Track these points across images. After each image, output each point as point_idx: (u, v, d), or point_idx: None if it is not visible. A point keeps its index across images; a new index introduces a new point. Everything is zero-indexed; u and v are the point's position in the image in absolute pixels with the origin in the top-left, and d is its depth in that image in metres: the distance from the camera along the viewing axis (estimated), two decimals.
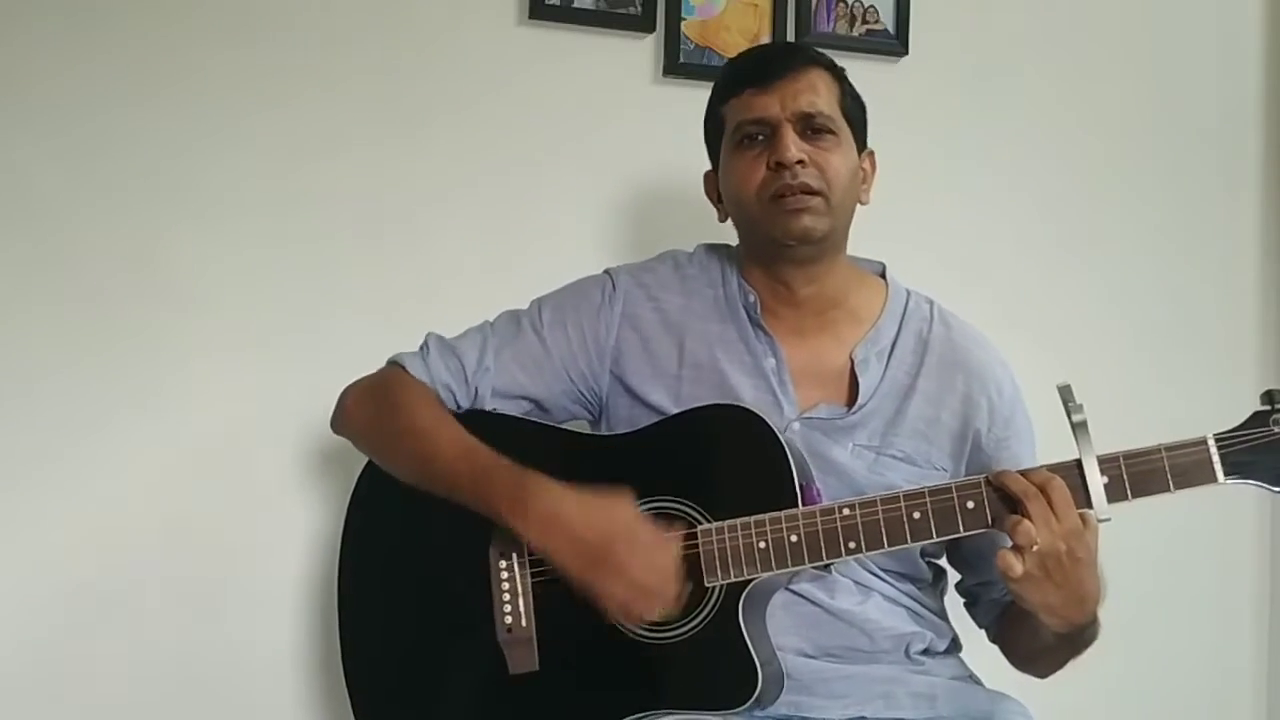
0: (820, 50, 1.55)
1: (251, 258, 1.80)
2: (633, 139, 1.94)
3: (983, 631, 1.59)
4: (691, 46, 1.94)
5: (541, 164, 1.91)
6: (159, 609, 1.77)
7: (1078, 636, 1.38)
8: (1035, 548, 1.24)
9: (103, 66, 1.76)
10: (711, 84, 1.91)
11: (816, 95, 1.47)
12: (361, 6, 1.85)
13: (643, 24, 1.92)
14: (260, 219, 1.81)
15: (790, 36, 1.98)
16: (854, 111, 1.52)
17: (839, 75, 1.53)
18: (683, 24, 1.94)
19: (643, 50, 1.95)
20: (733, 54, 1.94)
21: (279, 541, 1.81)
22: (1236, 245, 2.22)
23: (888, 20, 2.02)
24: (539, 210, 1.91)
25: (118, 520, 1.76)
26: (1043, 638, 1.40)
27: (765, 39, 1.97)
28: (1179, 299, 2.19)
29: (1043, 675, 1.52)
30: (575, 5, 1.90)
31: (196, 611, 1.78)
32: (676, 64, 1.94)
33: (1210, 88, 2.21)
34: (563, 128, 1.92)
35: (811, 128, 1.47)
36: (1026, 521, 1.25)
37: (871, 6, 2.01)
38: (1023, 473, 1.29)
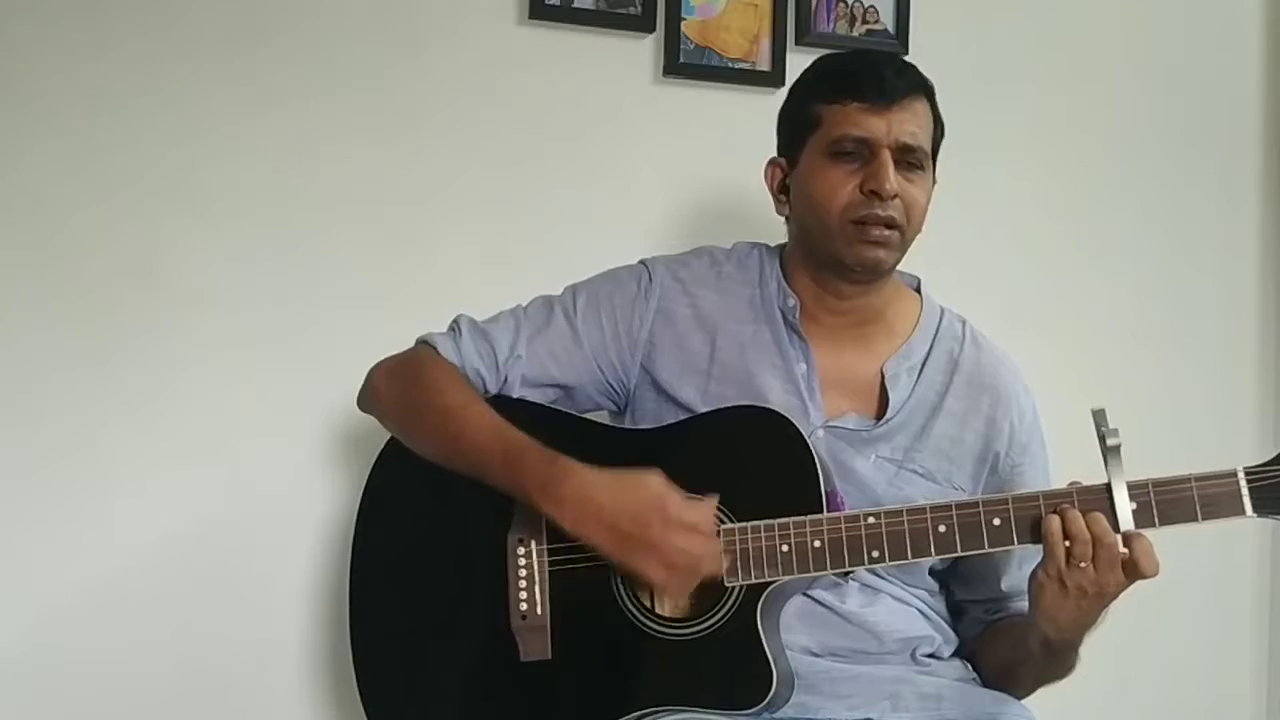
0: (921, 72, 1.51)
1: (252, 256, 1.80)
2: (632, 139, 1.94)
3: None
4: (691, 46, 1.94)
5: (541, 164, 1.91)
6: (164, 607, 1.76)
7: (1060, 652, 1.40)
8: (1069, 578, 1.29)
9: (102, 67, 1.75)
10: (711, 84, 1.94)
11: (920, 128, 1.45)
12: (361, 6, 1.85)
13: (643, 24, 1.92)
14: (261, 218, 1.81)
15: (790, 37, 1.97)
16: (938, 141, 1.51)
17: (934, 103, 1.50)
18: (683, 24, 1.93)
19: (643, 50, 1.95)
20: (733, 54, 1.95)
21: (282, 539, 1.80)
22: (1236, 245, 2.22)
23: (888, 20, 2.02)
24: (539, 210, 1.90)
25: (122, 519, 1.76)
26: (1028, 645, 1.41)
27: (765, 39, 1.96)
28: (1179, 299, 2.19)
29: (1010, 694, 1.51)
30: (575, 5, 1.89)
31: (200, 608, 1.78)
32: (676, 64, 1.93)
33: (1210, 87, 2.20)
34: (562, 127, 1.91)
35: (907, 160, 1.44)
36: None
37: (871, 6, 2.01)
38: (1075, 508, 1.30)
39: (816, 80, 1.52)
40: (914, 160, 1.45)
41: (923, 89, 1.48)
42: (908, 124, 1.44)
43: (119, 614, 1.75)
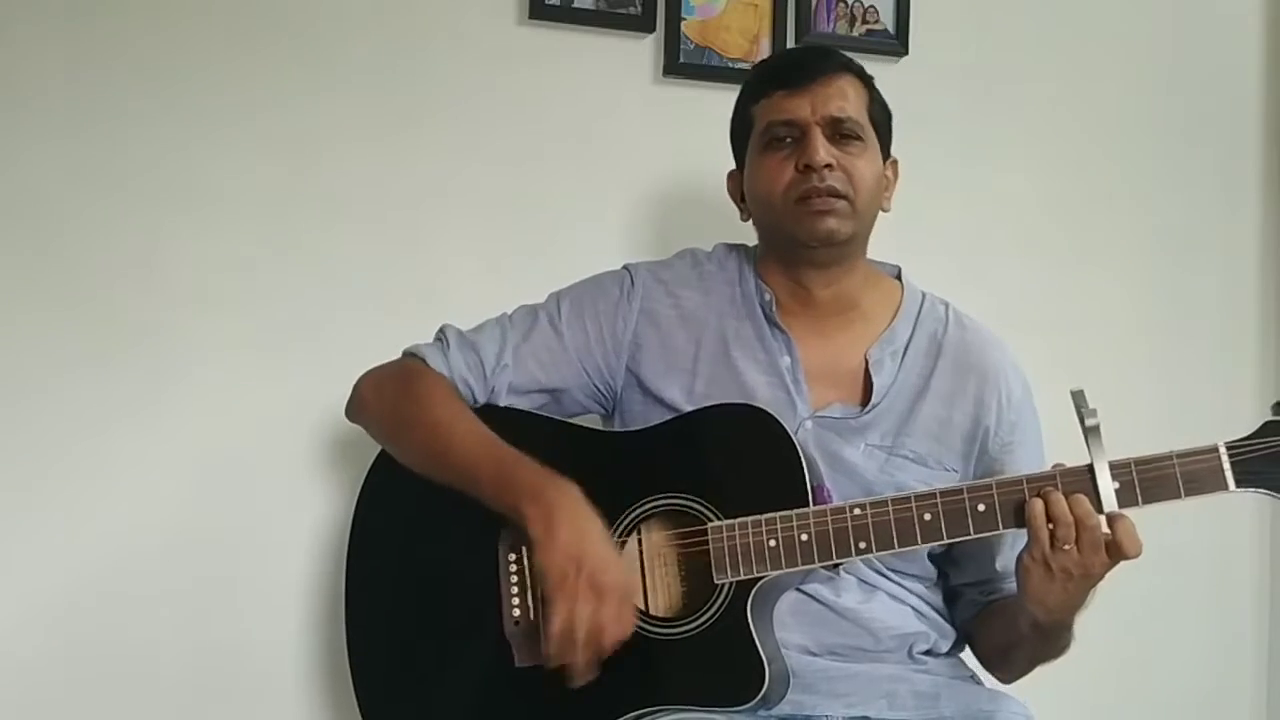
0: (851, 56, 1.55)
1: (253, 256, 1.80)
2: (632, 139, 1.94)
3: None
4: (691, 46, 1.94)
5: (541, 164, 1.91)
6: (163, 608, 1.76)
7: (1052, 633, 1.40)
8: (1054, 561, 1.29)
9: (102, 67, 1.75)
10: (711, 84, 1.93)
11: (846, 100, 1.48)
12: (362, 6, 1.85)
13: (643, 24, 1.92)
14: (261, 217, 1.81)
15: (790, 36, 1.97)
16: (880, 118, 1.53)
17: (868, 82, 1.54)
18: (683, 24, 1.94)
19: (643, 50, 1.95)
20: (733, 54, 1.96)
21: (282, 539, 1.80)
22: (1236, 245, 2.22)
23: (888, 20, 2.02)
24: (539, 210, 1.90)
25: (122, 520, 1.76)
26: (1019, 627, 1.42)
27: (765, 39, 1.97)
28: (1179, 299, 2.19)
29: (1008, 674, 1.53)
30: (575, 5, 1.89)
31: (201, 609, 1.78)
32: (676, 64, 1.93)
33: (1210, 88, 2.20)
34: (562, 127, 1.91)
35: (840, 133, 1.48)
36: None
37: (871, 6, 2.01)
38: (1058, 491, 1.30)
39: (747, 85, 1.57)
40: (848, 131, 1.48)
41: (847, 68, 1.52)
42: (833, 99, 1.48)
43: (117, 614, 1.75)
